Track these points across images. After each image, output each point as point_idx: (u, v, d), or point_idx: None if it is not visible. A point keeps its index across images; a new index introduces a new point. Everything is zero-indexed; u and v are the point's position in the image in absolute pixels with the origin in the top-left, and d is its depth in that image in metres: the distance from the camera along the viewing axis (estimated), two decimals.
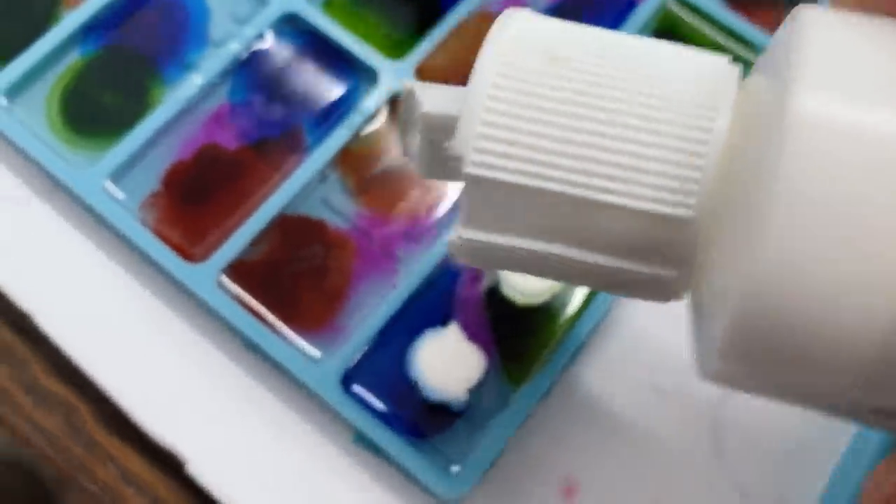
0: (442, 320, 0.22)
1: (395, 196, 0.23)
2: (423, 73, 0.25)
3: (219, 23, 0.25)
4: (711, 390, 0.21)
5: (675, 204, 0.14)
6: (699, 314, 0.15)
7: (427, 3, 0.26)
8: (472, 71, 0.15)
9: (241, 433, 0.21)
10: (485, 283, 0.22)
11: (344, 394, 0.21)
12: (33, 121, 0.24)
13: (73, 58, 0.24)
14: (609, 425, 0.22)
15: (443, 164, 0.16)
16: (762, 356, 0.13)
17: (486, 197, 0.15)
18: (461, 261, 0.16)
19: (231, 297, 0.22)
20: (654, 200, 0.14)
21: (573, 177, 0.14)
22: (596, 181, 0.14)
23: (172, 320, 0.22)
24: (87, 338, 0.22)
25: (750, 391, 0.14)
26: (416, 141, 0.16)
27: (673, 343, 0.21)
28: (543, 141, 0.14)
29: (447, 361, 0.22)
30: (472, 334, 0.22)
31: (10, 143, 0.23)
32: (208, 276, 0.22)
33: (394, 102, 0.24)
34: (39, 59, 0.24)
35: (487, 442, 0.21)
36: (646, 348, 0.23)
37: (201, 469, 0.21)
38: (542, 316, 0.22)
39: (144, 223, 0.22)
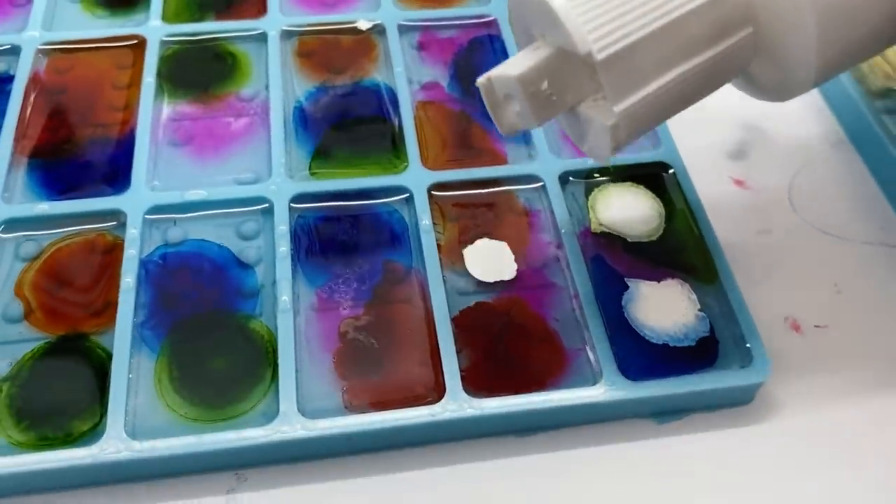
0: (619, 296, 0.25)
1: None
2: None
3: None
4: None
5: None
6: (774, 48, 0.20)
7: None
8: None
9: None
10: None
11: (636, 385, 0.23)
12: None
13: None
14: None
15: (549, 103, 0.19)
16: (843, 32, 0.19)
17: (618, 67, 0.19)
18: (622, 143, 0.20)
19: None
20: None
21: (657, 12, 0.19)
22: (671, 4, 0.19)
23: None
24: None
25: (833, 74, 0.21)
26: (511, 110, 0.20)
27: None
28: (626, 5, 0.19)
29: (665, 311, 0.24)
30: (658, 277, 0.25)
31: None
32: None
33: None
34: None
35: (740, 330, 0.24)
36: None
37: None
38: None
39: None
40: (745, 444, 0.23)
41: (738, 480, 0.23)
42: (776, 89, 0.22)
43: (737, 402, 0.24)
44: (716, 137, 0.30)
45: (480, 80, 0.20)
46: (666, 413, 0.23)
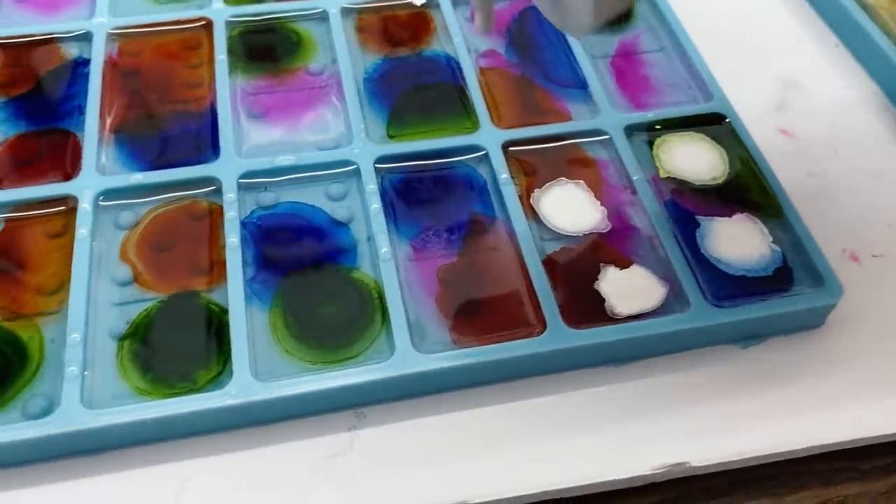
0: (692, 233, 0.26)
1: None
2: None
3: None
4: None
5: None
6: None
7: None
8: None
9: None
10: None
11: (722, 311, 0.24)
12: None
13: None
14: None
15: None
16: None
17: None
18: (603, 10, 0.20)
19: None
20: None
21: None
22: None
23: None
24: None
25: None
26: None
27: None
28: None
29: (740, 244, 0.26)
30: (728, 213, 0.27)
31: None
32: None
33: None
34: None
35: (809, 258, 0.25)
36: None
37: None
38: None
39: None
40: (821, 364, 0.25)
41: (817, 396, 0.24)
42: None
43: (811, 324, 0.25)
44: (760, 93, 0.32)
45: None
46: (748, 338, 0.25)
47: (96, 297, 0.24)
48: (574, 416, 0.23)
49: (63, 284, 0.25)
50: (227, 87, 0.29)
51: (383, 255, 0.25)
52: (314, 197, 0.27)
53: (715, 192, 0.28)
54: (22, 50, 0.31)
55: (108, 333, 0.24)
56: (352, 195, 0.27)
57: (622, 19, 0.33)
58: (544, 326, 0.24)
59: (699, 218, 0.27)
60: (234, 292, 0.24)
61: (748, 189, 0.28)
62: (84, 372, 0.22)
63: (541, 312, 0.24)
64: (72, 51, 0.31)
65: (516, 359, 0.23)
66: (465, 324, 0.24)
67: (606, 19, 0.20)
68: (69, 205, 0.26)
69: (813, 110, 0.32)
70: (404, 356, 0.23)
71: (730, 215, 0.27)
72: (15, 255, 0.25)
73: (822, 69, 0.33)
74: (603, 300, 0.25)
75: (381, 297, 0.24)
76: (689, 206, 0.27)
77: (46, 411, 0.22)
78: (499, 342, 0.23)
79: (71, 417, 0.21)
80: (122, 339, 0.23)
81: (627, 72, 0.31)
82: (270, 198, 0.27)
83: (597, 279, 0.25)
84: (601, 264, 0.26)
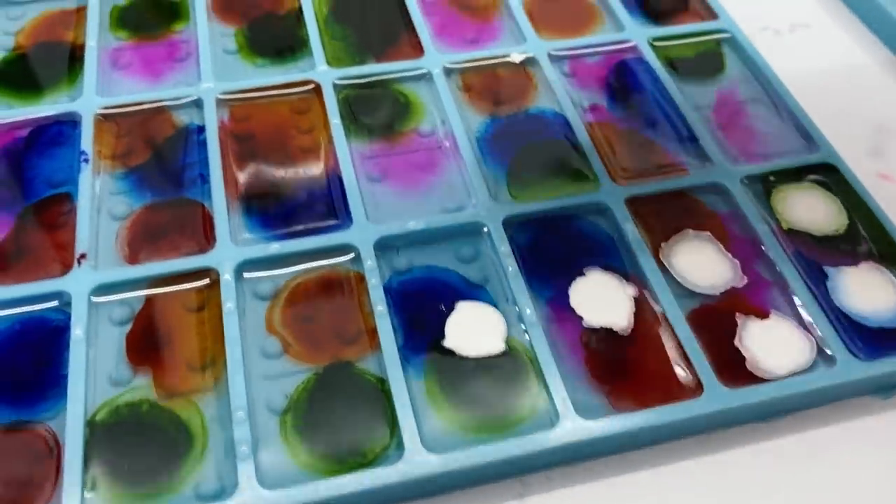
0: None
1: None
2: None
3: None
4: None
5: None
6: None
7: None
8: None
9: None
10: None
11: (868, 364, 0.24)
12: None
13: None
14: None
15: None
16: None
17: None
18: None
19: None
20: None
21: None
22: None
23: None
24: None
25: None
26: None
27: None
28: None
29: (872, 295, 0.26)
30: (854, 263, 0.27)
31: None
32: None
33: None
34: None
35: None
36: None
37: None
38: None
39: None
40: None
41: None
42: None
43: None
44: (854, 139, 0.33)
45: None
46: (889, 388, 0.25)
47: (250, 371, 0.24)
48: (736, 475, 0.24)
49: (213, 359, 0.25)
50: (347, 151, 0.30)
51: (528, 318, 0.25)
52: (445, 259, 0.27)
53: (837, 242, 0.28)
54: (133, 119, 0.31)
55: (266, 408, 0.24)
56: (483, 256, 0.27)
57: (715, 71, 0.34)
58: (701, 387, 0.24)
59: (826, 268, 0.27)
60: (391, 361, 0.24)
61: (869, 238, 0.28)
62: (254, 450, 0.22)
63: (694, 372, 0.24)
64: (182, 117, 0.31)
65: (677, 422, 0.23)
66: (620, 387, 0.24)
67: None
68: (209, 277, 0.26)
69: None
70: (569, 424, 0.23)
71: (856, 264, 0.27)
72: (161, 332, 0.25)
73: None
74: (744, 357, 0.25)
75: (534, 362, 0.24)
76: (815, 256, 0.28)
77: (220, 493, 0.22)
78: (657, 405, 0.24)
79: (251, 500, 0.21)
80: (283, 413, 0.23)
81: (730, 122, 0.32)
82: (403, 262, 0.27)
83: (738, 334, 0.26)
84: (741, 319, 0.26)
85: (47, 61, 0.33)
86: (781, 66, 0.34)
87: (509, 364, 0.25)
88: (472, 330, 0.25)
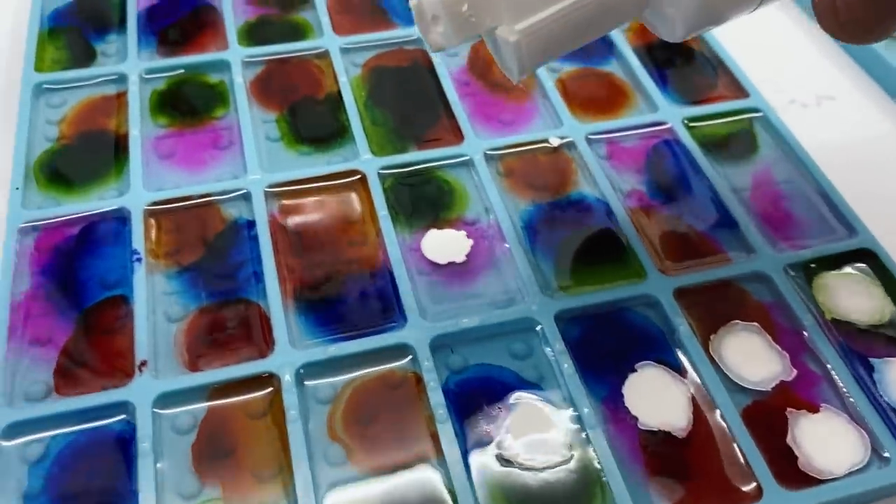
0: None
1: None
2: None
3: None
4: None
5: None
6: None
7: None
8: None
9: None
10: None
11: None
12: None
13: None
14: None
15: (468, 24, 0.21)
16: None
17: None
18: (526, 63, 0.22)
19: None
20: None
21: None
22: None
23: None
24: None
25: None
26: (437, 31, 0.22)
27: None
28: None
29: None
30: None
31: None
32: None
33: None
34: None
35: None
36: None
37: None
38: None
39: None
40: None
41: None
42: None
43: None
44: (890, 219, 0.33)
45: (413, 2, 0.22)
46: None
47: (318, 481, 0.25)
48: None
49: (280, 467, 0.25)
50: (395, 243, 0.30)
51: (587, 420, 0.26)
52: (499, 356, 0.28)
53: (882, 332, 0.29)
54: (182, 214, 0.31)
55: None
56: (536, 353, 0.28)
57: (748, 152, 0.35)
58: (761, 492, 0.24)
59: (872, 360, 0.28)
60: (455, 469, 0.24)
61: None
62: None
63: (754, 476, 0.25)
64: (231, 211, 0.31)
65: None
66: (682, 495, 0.25)
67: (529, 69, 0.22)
68: (271, 383, 0.26)
69: None
70: None
71: None
72: (226, 440, 0.25)
73: None
74: (797, 455, 0.26)
75: (600, 472, 0.25)
76: (860, 348, 0.28)
77: None
78: None
79: None
80: None
81: (768, 206, 0.33)
82: (458, 360, 0.28)
83: (790, 432, 0.26)
84: (792, 415, 0.27)
85: (92, 152, 0.33)
86: (811, 142, 0.35)
87: (577, 471, 0.25)
88: (534, 436, 0.26)
